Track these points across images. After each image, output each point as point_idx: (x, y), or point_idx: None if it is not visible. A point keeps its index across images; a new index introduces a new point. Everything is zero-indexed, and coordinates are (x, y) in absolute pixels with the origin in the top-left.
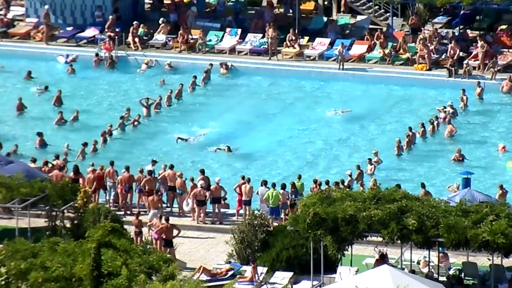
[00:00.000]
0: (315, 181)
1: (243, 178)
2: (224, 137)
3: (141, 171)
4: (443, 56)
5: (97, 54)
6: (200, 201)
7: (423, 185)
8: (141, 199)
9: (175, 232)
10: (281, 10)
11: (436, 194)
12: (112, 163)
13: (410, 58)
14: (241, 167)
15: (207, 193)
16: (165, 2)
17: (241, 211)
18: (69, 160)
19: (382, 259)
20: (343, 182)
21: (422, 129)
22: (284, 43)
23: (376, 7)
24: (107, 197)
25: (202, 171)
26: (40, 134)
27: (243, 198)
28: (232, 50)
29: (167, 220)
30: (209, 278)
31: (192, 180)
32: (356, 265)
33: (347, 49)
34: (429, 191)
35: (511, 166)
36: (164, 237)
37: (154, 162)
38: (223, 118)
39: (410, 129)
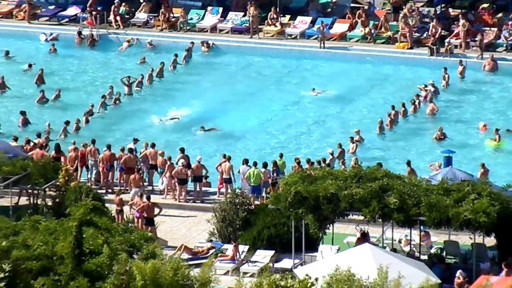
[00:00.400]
0: (297, 160)
1: (224, 156)
2: (205, 116)
3: (122, 150)
4: (424, 35)
5: (79, 33)
6: (181, 180)
7: (408, 163)
8: (122, 178)
9: (156, 210)
10: None
11: (418, 173)
12: (93, 142)
13: (391, 37)
14: (222, 146)
15: (189, 172)
16: None
17: (223, 190)
18: (51, 138)
19: (364, 237)
20: (324, 160)
21: (403, 108)
22: (266, 21)
23: None
24: (89, 176)
25: (182, 150)
26: (23, 113)
27: (224, 176)
28: (213, 29)
29: (148, 198)
30: (190, 256)
31: (170, 159)
32: (337, 244)
33: (329, 28)
34: (414, 169)
35: (489, 144)
36: (145, 215)
37: (135, 141)
38: (204, 96)
39: (393, 107)
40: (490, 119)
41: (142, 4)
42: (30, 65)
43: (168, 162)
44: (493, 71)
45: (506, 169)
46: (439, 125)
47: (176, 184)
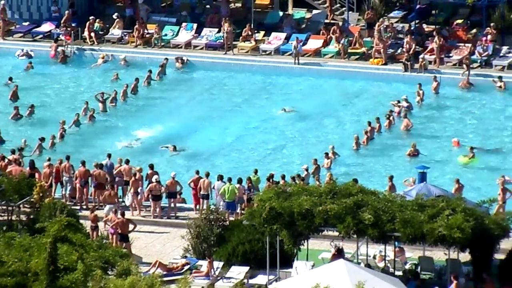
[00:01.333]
0: (271, 176)
1: (197, 173)
2: (179, 132)
3: (96, 166)
4: (399, 51)
5: (56, 40)
6: (155, 196)
7: (390, 178)
8: (96, 194)
9: (130, 226)
10: (237, 4)
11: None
12: (68, 158)
13: (366, 53)
14: (196, 162)
15: (162, 188)
16: None
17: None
18: (25, 155)
19: (338, 253)
20: (299, 176)
21: (378, 124)
22: (240, 37)
23: (332, 1)
24: (63, 192)
25: (151, 166)
26: None
27: (202, 192)
28: (188, 45)
29: (122, 214)
30: (165, 272)
31: (135, 175)
32: (312, 260)
33: (303, 44)
34: (394, 185)
35: (462, 161)
36: (119, 231)
37: (109, 156)
38: (178, 113)
39: (369, 123)
40: (465, 135)
41: (116, 21)
42: (10, 79)
43: (133, 178)
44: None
45: (479, 185)
46: (413, 141)
47: (150, 200)
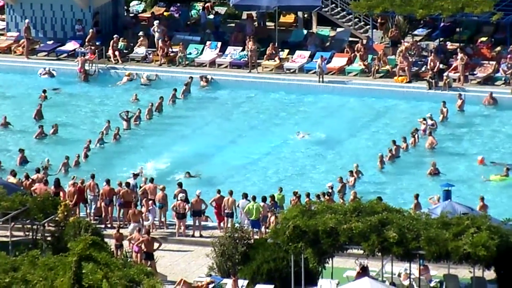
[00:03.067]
0: (295, 194)
1: (219, 192)
2: (204, 151)
3: (120, 184)
4: (423, 69)
5: (83, 62)
6: (180, 214)
7: (416, 196)
8: (121, 212)
9: (156, 245)
10: (261, 23)
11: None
12: (93, 177)
13: (390, 71)
14: (220, 180)
15: (187, 206)
16: (145, 15)
17: (223, 224)
18: (50, 173)
19: (363, 271)
20: (324, 194)
21: (405, 143)
22: (264, 56)
23: (356, 19)
24: (88, 211)
25: (180, 184)
26: (21, 151)
27: (226, 211)
28: (212, 63)
29: (147, 233)
30: None
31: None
32: (337, 278)
33: (327, 62)
34: (420, 203)
35: (494, 179)
36: (145, 250)
37: (135, 176)
38: (203, 131)
39: (394, 142)
40: (490, 152)
41: (141, 39)
42: (44, 91)
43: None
44: (491, 106)
45: (505, 203)
46: (437, 159)
47: (175, 218)
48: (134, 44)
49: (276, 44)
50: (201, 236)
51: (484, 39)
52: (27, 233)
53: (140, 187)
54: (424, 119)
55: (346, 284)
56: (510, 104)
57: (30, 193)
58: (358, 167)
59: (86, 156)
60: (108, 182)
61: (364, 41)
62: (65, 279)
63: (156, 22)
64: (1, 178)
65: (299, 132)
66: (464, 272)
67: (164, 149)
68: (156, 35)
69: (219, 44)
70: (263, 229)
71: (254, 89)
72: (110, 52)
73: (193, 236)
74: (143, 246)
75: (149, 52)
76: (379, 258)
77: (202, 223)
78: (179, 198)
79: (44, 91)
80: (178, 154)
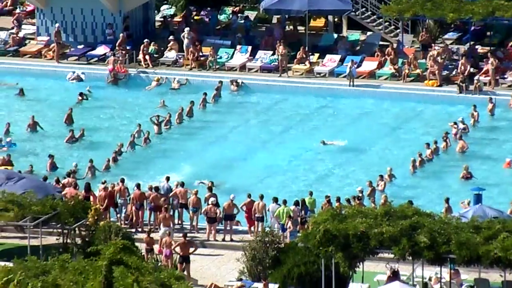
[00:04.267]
0: (327, 198)
1: (249, 196)
2: (234, 155)
3: (151, 188)
4: (453, 72)
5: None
6: (211, 218)
7: (447, 200)
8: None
9: (191, 249)
10: (291, 27)
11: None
12: (122, 181)
13: (420, 75)
14: (249, 184)
15: (218, 210)
16: (175, 19)
17: (253, 228)
18: (77, 178)
19: (394, 275)
20: (355, 198)
21: (435, 146)
22: (295, 60)
23: (386, 23)
24: (118, 215)
25: (210, 188)
26: (51, 156)
27: (256, 215)
28: (242, 67)
29: (184, 236)
30: None
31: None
32: (367, 282)
33: (357, 66)
34: (451, 207)
35: None
36: (181, 253)
37: (167, 179)
38: (233, 135)
39: (428, 145)
40: None
41: (171, 43)
42: (81, 94)
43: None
44: None
45: None
46: (468, 163)
47: (206, 222)
48: (165, 49)
49: (307, 48)
50: (231, 240)
51: None
52: (57, 238)
53: (171, 191)
54: (455, 123)
55: None
56: None
57: (61, 197)
58: (391, 170)
59: (115, 160)
60: (138, 186)
61: (395, 45)
62: (95, 283)
63: (186, 29)
64: (37, 175)
65: (324, 141)
66: (495, 276)
67: (194, 154)
68: (186, 41)
69: (250, 48)
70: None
71: (284, 93)
72: (140, 56)
73: (224, 240)
74: (178, 249)
75: (180, 56)
76: (410, 262)
77: (233, 227)
78: (210, 202)
79: (81, 94)
80: (208, 159)
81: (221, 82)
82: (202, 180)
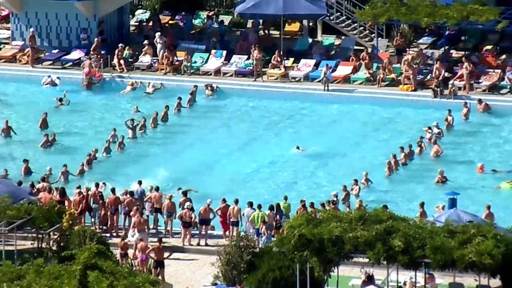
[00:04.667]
0: (302, 202)
1: (223, 200)
2: (209, 158)
3: (125, 193)
4: (428, 77)
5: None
6: (186, 223)
7: (421, 205)
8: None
9: (166, 254)
10: (266, 31)
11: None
12: (97, 185)
13: (395, 79)
14: (223, 189)
15: (193, 215)
16: (150, 24)
17: (228, 232)
18: (50, 182)
19: (369, 280)
20: (329, 203)
21: (409, 150)
22: (269, 64)
23: (361, 28)
24: (93, 219)
25: (185, 193)
26: (25, 161)
27: (231, 219)
28: (217, 72)
29: (159, 241)
30: None
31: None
32: (342, 286)
33: (332, 71)
34: (425, 211)
35: (506, 187)
36: (155, 258)
37: (139, 183)
38: (207, 140)
39: (402, 149)
40: (496, 160)
41: (145, 48)
42: (60, 100)
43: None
44: (486, 111)
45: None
46: (444, 167)
47: (181, 227)
48: (140, 53)
49: (282, 52)
50: (206, 244)
51: (489, 47)
52: (32, 242)
53: (146, 196)
54: (430, 128)
55: None
56: None
57: (35, 202)
58: (367, 175)
59: (89, 163)
60: (113, 191)
61: (369, 50)
62: (70, 287)
63: (157, 34)
64: (12, 180)
65: (298, 146)
66: (469, 281)
67: (169, 158)
68: (158, 46)
69: (224, 52)
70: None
71: (259, 98)
72: (115, 60)
73: (198, 244)
74: (153, 254)
75: (154, 60)
76: (384, 266)
77: (208, 232)
78: (185, 207)
79: (60, 99)
80: (183, 163)
81: (196, 86)
82: (186, 188)
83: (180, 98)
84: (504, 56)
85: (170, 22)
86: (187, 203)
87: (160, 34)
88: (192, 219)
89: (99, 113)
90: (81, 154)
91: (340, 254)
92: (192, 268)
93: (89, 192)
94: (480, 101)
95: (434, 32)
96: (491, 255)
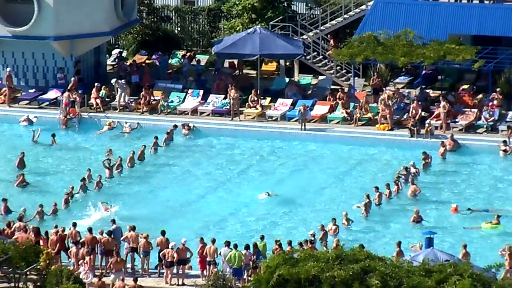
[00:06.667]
0: (277, 242)
1: (201, 240)
2: (185, 198)
3: (102, 233)
4: (405, 116)
5: (65, 116)
6: (168, 262)
7: (398, 244)
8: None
9: None
10: (242, 72)
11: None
12: (74, 225)
13: (372, 118)
14: (201, 229)
15: (175, 254)
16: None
17: (205, 272)
18: (24, 220)
19: None
20: (307, 242)
21: (388, 190)
22: (246, 103)
23: (338, 67)
24: (70, 259)
25: (163, 233)
26: (4, 200)
27: (208, 259)
28: (194, 111)
29: (135, 280)
30: None
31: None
32: None
33: (309, 109)
34: (402, 250)
35: (486, 227)
36: None
37: (113, 222)
38: (183, 180)
39: (377, 188)
40: (471, 199)
41: (122, 81)
42: (53, 135)
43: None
44: (454, 150)
45: (486, 251)
46: (421, 206)
47: (164, 266)
48: (116, 92)
49: (258, 92)
50: (183, 284)
51: (466, 86)
52: (9, 282)
53: (123, 235)
54: (407, 168)
55: None
56: (490, 152)
57: (12, 241)
58: (347, 215)
59: (66, 202)
60: (90, 230)
61: (346, 89)
62: None
63: (113, 80)
64: None
65: (268, 192)
66: None
67: (145, 197)
68: (119, 91)
69: (201, 92)
70: (245, 277)
71: (236, 137)
72: (92, 100)
73: (178, 284)
74: None
75: (131, 100)
76: None
77: (185, 271)
78: (170, 247)
79: (53, 135)
80: (159, 202)
81: (175, 126)
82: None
83: (156, 138)
84: (480, 96)
85: (147, 61)
86: (172, 243)
87: (115, 80)
88: (174, 259)
89: (76, 153)
90: (58, 194)
91: None
92: None
93: (67, 232)
94: (452, 137)
95: (411, 72)
96: None
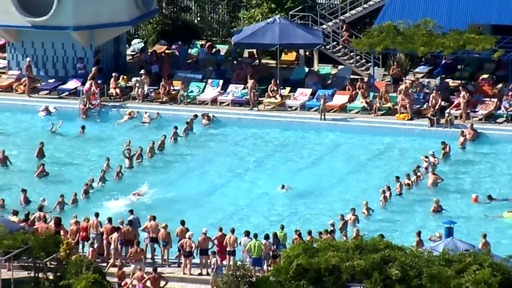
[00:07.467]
0: (297, 232)
1: (220, 230)
2: (205, 189)
3: (122, 223)
4: (424, 106)
5: (85, 105)
6: (188, 252)
7: (418, 233)
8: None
9: (162, 282)
10: (263, 61)
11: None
12: (97, 215)
13: (391, 108)
14: (221, 219)
15: (193, 244)
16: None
17: (225, 262)
18: (45, 211)
19: None
20: (326, 232)
21: (408, 180)
22: (266, 93)
23: (357, 57)
24: (91, 249)
25: (182, 222)
26: (24, 191)
27: (228, 249)
28: (214, 101)
29: (154, 270)
30: None
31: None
32: None
33: (328, 99)
34: (422, 240)
35: (508, 216)
36: (151, 287)
37: (131, 212)
38: (203, 170)
39: (398, 178)
40: (492, 189)
41: (142, 77)
42: (83, 127)
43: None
44: (474, 140)
45: (508, 240)
46: (441, 196)
47: (182, 256)
48: (136, 82)
49: (278, 82)
50: (207, 274)
51: (485, 76)
52: (29, 272)
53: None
54: (426, 157)
55: None
56: (511, 140)
57: (32, 231)
58: (367, 204)
59: (86, 193)
60: (109, 220)
61: (366, 79)
62: None
63: (134, 79)
64: (3, 216)
65: (283, 185)
66: None
67: (165, 187)
68: (136, 89)
69: (221, 82)
70: (265, 266)
71: (256, 127)
72: (111, 90)
73: (200, 274)
74: (149, 284)
75: (151, 90)
76: None
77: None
78: (187, 236)
79: (83, 127)
80: (179, 192)
81: (195, 115)
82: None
83: (176, 128)
84: (500, 85)
85: (167, 51)
86: (189, 233)
87: (136, 80)
88: (193, 249)
89: (96, 143)
90: (79, 184)
91: (337, 283)
92: None
93: (89, 222)
94: (471, 127)
95: (431, 61)
96: (488, 284)
